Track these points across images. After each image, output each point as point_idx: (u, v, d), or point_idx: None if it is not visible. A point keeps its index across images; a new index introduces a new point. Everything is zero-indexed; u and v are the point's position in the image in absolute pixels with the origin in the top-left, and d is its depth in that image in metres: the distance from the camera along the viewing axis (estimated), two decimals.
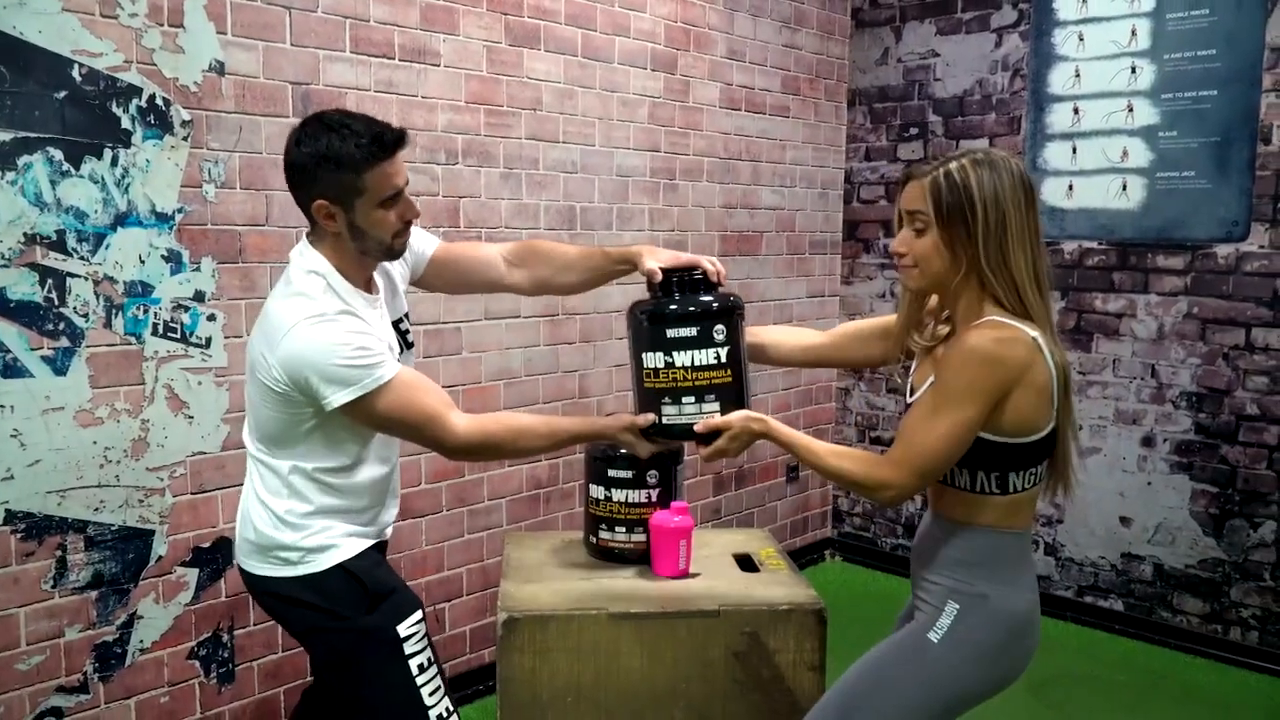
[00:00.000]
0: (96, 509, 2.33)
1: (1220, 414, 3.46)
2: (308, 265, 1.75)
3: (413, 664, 1.79)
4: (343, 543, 1.82)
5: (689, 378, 1.76)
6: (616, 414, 1.95)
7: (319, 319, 1.69)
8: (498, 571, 3.09)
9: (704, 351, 1.76)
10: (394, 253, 1.80)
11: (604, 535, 2.16)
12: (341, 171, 1.66)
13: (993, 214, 1.59)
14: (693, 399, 1.77)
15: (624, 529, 2.13)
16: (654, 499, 2.13)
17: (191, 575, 2.50)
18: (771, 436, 1.74)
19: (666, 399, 1.78)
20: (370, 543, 1.88)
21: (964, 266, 1.62)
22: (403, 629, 1.80)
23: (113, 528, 2.36)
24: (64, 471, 2.27)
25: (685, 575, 2.08)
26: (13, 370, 2.18)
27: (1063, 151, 3.74)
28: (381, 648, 1.78)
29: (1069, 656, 3.52)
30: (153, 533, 2.43)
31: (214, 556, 2.54)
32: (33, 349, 2.21)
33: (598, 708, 1.91)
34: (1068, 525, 3.81)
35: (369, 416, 1.72)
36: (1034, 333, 1.60)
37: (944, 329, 1.77)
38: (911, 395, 1.76)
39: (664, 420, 1.80)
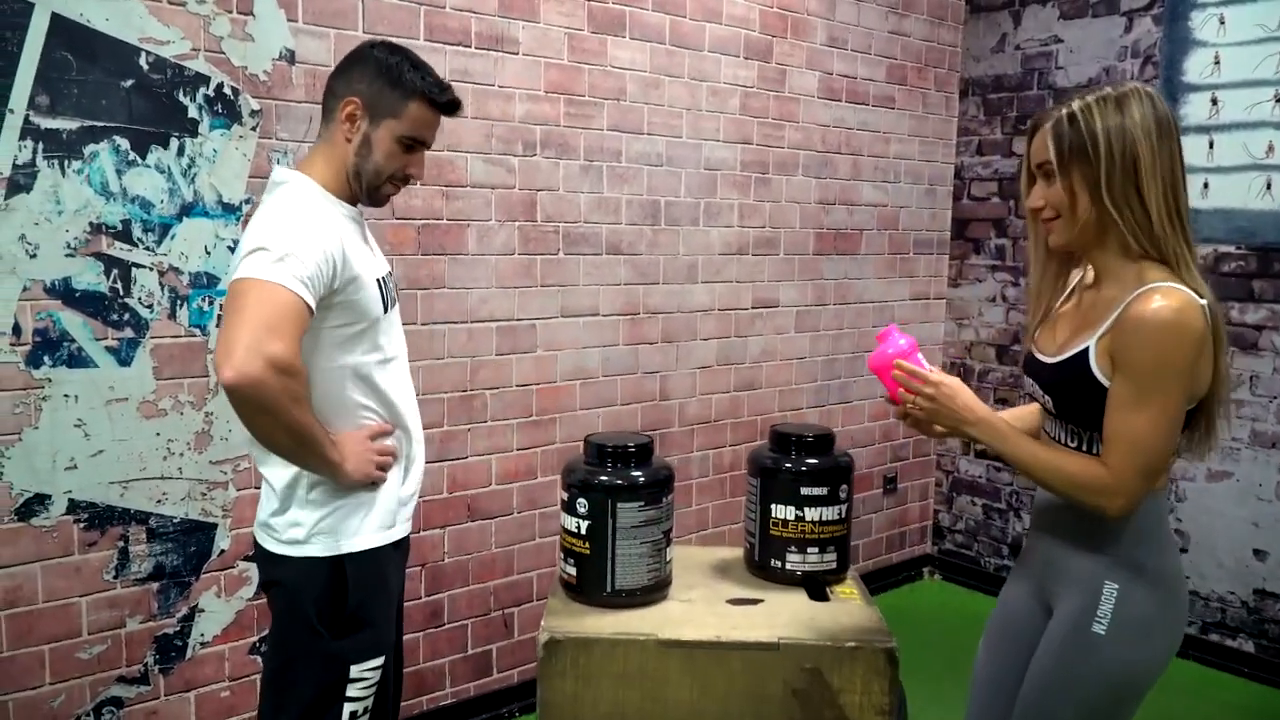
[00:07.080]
0: (159, 501, 2.32)
1: None
2: (296, 179, 1.70)
3: (346, 708, 1.71)
4: (350, 531, 1.70)
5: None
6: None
7: (295, 207, 1.63)
8: None
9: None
10: (375, 196, 1.74)
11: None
12: (393, 89, 1.68)
13: (1117, 148, 1.50)
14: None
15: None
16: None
17: (254, 570, 2.47)
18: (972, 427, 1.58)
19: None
20: (383, 541, 1.75)
21: (1096, 209, 1.52)
22: (355, 670, 1.71)
23: (175, 520, 2.35)
24: (127, 462, 2.26)
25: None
26: (77, 360, 2.18)
27: (1198, 146, 3.42)
28: (327, 675, 1.70)
29: (1187, 698, 3.21)
30: (215, 526, 2.41)
31: None
32: (97, 339, 2.20)
33: None
34: (1192, 555, 3.48)
35: (234, 295, 1.53)
36: (1201, 299, 1.48)
37: (1083, 275, 1.67)
38: (1050, 355, 1.61)
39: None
